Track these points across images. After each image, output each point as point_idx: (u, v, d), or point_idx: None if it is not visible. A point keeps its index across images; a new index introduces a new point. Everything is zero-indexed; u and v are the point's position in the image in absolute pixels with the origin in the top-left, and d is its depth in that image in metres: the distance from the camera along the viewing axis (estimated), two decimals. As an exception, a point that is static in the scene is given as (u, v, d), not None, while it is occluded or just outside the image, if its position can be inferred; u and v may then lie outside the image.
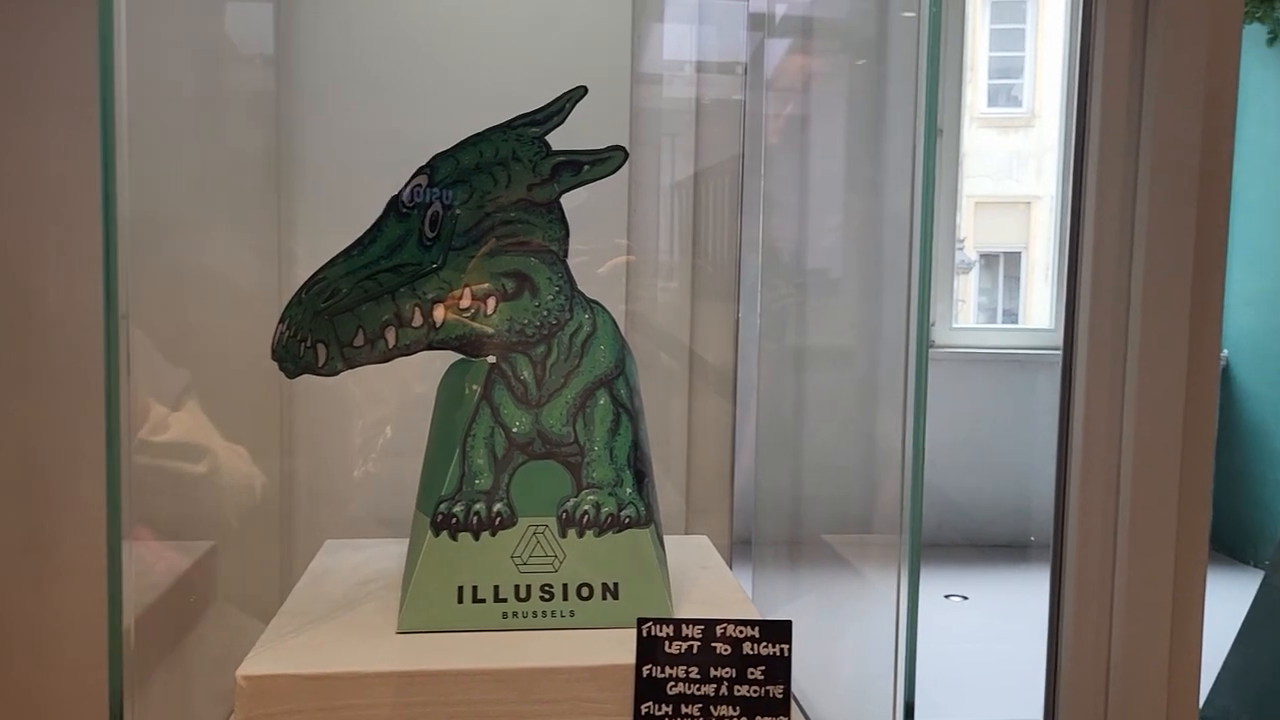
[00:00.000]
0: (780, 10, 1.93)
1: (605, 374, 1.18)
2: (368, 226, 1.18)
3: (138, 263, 1.07)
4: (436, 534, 1.13)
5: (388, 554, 1.35)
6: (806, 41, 1.92)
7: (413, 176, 1.17)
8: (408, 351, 1.18)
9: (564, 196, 1.21)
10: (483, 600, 1.13)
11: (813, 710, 1.27)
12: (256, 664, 1.03)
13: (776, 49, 1.90)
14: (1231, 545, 3.67)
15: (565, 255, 1.21)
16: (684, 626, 1.04)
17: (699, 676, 1.03)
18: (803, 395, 1.55)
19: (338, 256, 1.16)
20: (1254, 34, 3.55)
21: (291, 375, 1.16)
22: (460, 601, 1.12)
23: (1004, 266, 6.39)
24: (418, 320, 1.18)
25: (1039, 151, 5.94)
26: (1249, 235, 3.72)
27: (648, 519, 1.16)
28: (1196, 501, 1.33)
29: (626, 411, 1.18)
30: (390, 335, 1.18)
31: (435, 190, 1.18)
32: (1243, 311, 3.76)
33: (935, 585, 3.38)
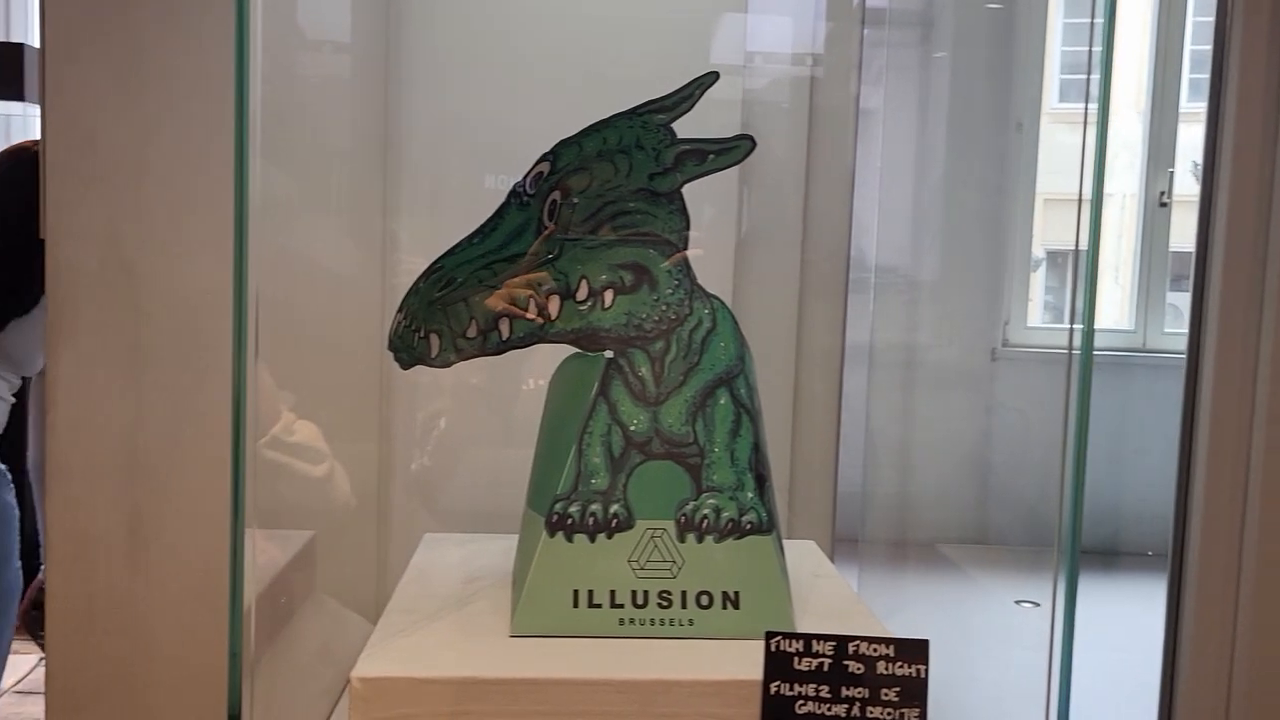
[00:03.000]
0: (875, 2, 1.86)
1: (726, 372, 1.14)
2: (470, 211, 1.14)
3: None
4: (551, 534, 1.09)
5: (490, 550, 1.31)
6: (912, 33, 1.85)
7: (535, 164, 1.13)
8: (522, 344, 1.14)
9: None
10: (599, 605, 1.08)
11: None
12: (371, 665, 0.99)
13: (871, 40, 1.84)
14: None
15: (685, 247, 1.16)
16: (814, 642, 0.99)
17: (830, 696, 0.99)
18: (911, 397, 1.49)
19: (458, 244, 1.12)
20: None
21: (405, 366, 1.13)
22: (575, 606, 1.08)
23: (1073, 265, 6.22)
24: (532, 312, 1.14)
25: (1112, 148, 5.77)
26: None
27: (769, 525, 1.11)
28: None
29: (747, 412, 1.13)
30: (504, 327, 1.14)
31: (555, 178, 1.13)
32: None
33: (1005, 590, 3.29)
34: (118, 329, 1.20)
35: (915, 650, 0.99)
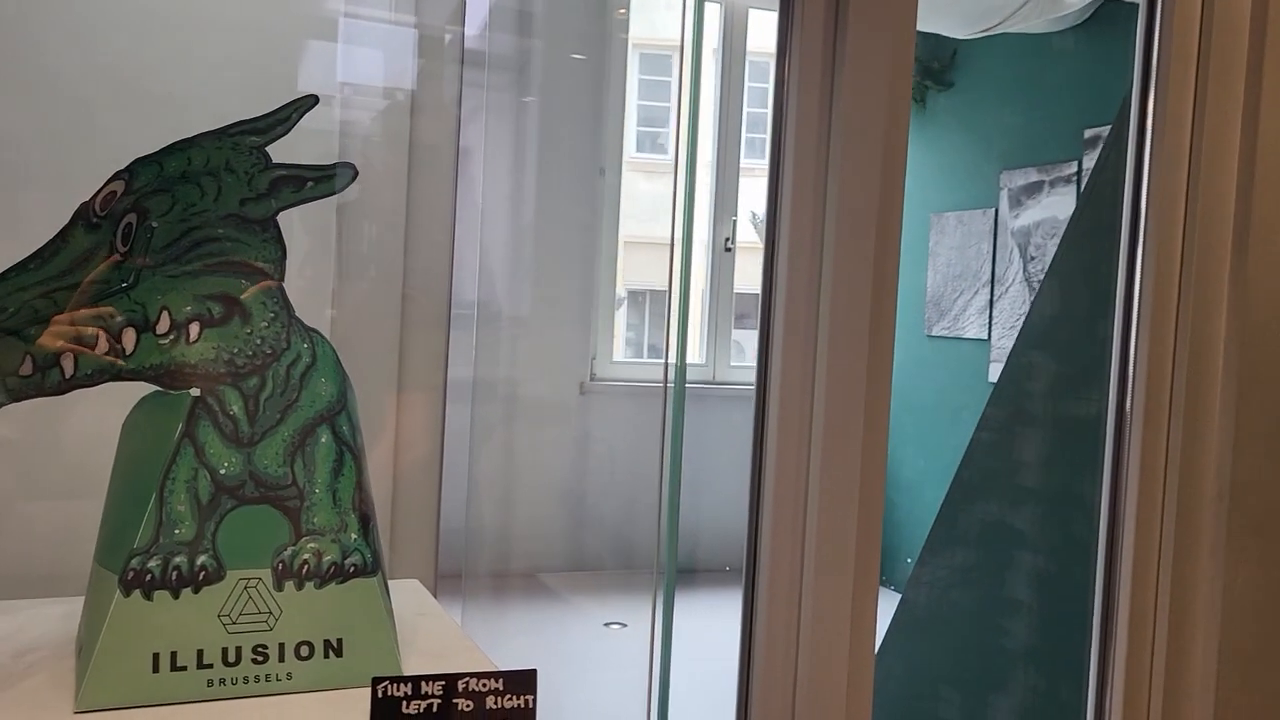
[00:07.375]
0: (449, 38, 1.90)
1: (327, 409, 1.09)
2: (24, 233, 1.01)
3: None
4: (127, 593, 0.97)
5: (46, 616, 1.15)
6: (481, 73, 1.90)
7: (107, 182, 1.01)
8: (89, 382, 1.02)
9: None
10: (183, 668, 0.98)
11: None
12: (-107, 767, 0.83)
13: (470, 81, 1.87)
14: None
15: (282, 278, 1.10)
16: (423, 684, 0.97)
17: (440, 736, 0.96)
18: (511, 431, 1.51)
19: (9, 270, 0.98)
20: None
21: (-58, 408, 0.96)
22: (156, 670, 0.98)
23: (650, 304, 6.72)
24: (103, 346, 1.02)
25: (681, 197, 6.32)
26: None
27: (374, 567, 1.08)
28: (870, 526, 1.44)
29: (350, 450, 1.09)
30: (67, 363, 1.01)
31: (131, 199, 1.03)
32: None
33: (599, 613, 3.42)
34: None
35: (523, 682, 1.00)
